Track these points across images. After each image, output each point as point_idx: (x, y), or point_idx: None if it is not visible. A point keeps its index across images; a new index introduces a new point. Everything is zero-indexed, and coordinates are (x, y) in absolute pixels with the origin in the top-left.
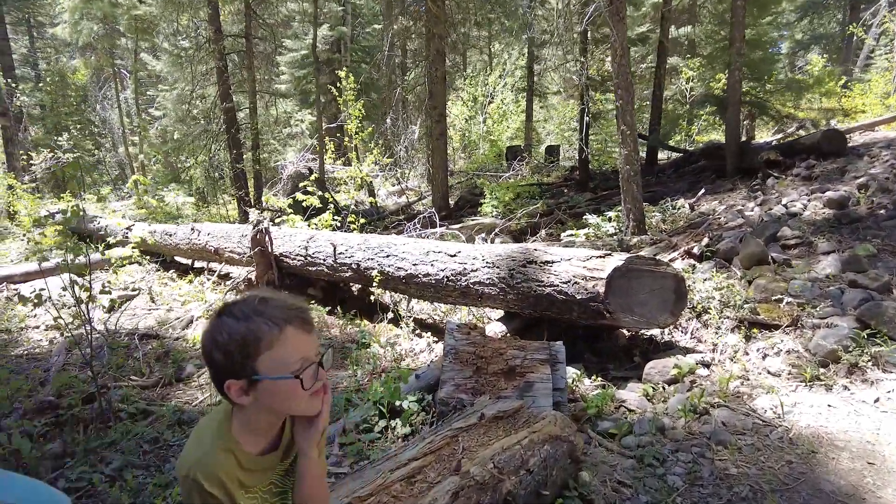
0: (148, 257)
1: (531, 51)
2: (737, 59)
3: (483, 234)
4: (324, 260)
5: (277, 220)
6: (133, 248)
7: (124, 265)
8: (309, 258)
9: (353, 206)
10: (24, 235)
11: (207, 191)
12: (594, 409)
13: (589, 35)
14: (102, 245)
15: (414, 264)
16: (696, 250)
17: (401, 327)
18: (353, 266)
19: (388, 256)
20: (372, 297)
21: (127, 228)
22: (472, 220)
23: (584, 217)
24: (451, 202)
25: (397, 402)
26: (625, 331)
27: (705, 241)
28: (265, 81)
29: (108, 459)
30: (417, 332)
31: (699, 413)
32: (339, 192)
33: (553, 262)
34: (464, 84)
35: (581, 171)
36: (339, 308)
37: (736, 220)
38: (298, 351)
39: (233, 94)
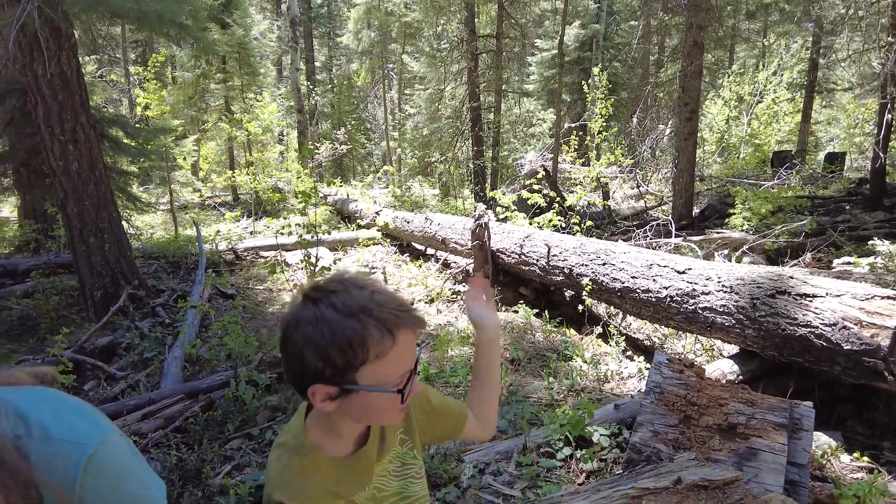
0: (389, 240)
1: (816, 37)
2: None
3: (726, 251)
4: (537, 260)
5: (502, 217)
6: (378, 230)
7: (369, 245)
8: (523, 257)
9: (583, 208)
10: (301, 213)
11: (450, 185)
12: (851, 500)
13: None
14: (354, 225)
15: (633, 277)
16: None
17: (610, 345)
18: (566, 270)
19: (604, 264)
20: (581, 307)
21: (375, 213)
22: (717, 232)
23: (871, 242)
24: (696, 210)
25: (586, 432)
26: None
27: None
28: (513, 80)
29: None
30: (629, 353)
31: None
32: (572, 192)
33: (814, 297)
34: (728, 82)
35: (874, 183)
36: (546, 312)
37: None
38: (405, 362)
39: (480, 93)
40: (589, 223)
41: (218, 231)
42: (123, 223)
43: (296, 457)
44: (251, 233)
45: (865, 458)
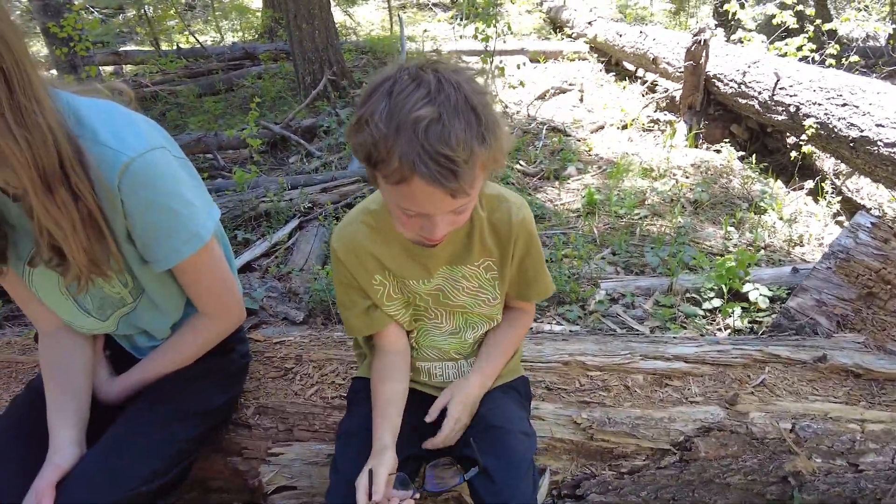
0: (597, 55)
1: None
2: None
3: None
4: (758, 93)
5: (735, 39)
6: (586, 42)
7: (574, 60)
8: (743, 87)
9: (856, 41)
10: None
11: None
12: None
13: None
14: (561, 35)
15: (877, 124)
16: None
17: (819, 203)
18: (791, 108)
19: (843, 105)
20: (793, 154)
21: (587, 23)
22: None
23: None
24: None
25: (737, 284)
26: None
27: None
28: None
29: None
30: (841, 219)
31: None
32: (847, 14)
33: None
34: None
35: None
36: (753, 157)
37: None
38: (415, 204)
39: None
40: (855, 58)
41: (425, 30)
42: (346, 17)
43: (366, 210)
44: (461, 36)
45: None
